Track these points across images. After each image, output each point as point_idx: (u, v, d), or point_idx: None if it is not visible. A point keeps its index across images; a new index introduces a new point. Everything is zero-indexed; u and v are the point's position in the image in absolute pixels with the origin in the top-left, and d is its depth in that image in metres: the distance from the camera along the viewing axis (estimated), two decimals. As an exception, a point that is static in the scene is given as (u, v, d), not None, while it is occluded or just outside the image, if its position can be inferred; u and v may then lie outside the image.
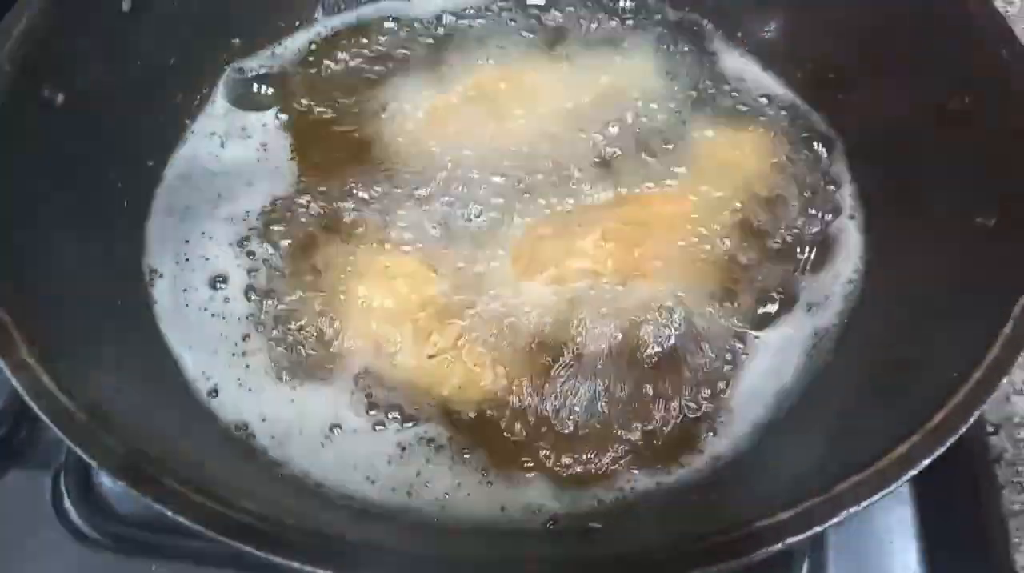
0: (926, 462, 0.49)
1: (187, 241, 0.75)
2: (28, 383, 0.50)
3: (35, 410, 0.49)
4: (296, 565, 0.45)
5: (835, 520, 0.47)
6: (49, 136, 0.66)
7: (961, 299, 0.62)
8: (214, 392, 0.68)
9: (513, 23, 0.89)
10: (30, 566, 0.70)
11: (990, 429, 0.82)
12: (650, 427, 0.67)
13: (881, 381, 0.63)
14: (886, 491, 0.47)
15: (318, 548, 0.47)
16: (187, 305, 0.72)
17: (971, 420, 0.51)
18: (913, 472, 0.48)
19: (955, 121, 0.69)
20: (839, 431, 0.61)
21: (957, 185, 0.68)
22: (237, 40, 0.86)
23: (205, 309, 0.72)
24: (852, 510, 0.47)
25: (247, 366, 0.69)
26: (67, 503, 0.71)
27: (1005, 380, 0.53)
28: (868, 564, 0.70)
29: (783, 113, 0.84)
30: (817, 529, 0.46)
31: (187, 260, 0.74)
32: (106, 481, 0.70)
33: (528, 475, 0.64)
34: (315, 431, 0.66)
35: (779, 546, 0.46)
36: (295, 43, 0.89)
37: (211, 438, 0.65)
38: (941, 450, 0.49)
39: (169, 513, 0.45)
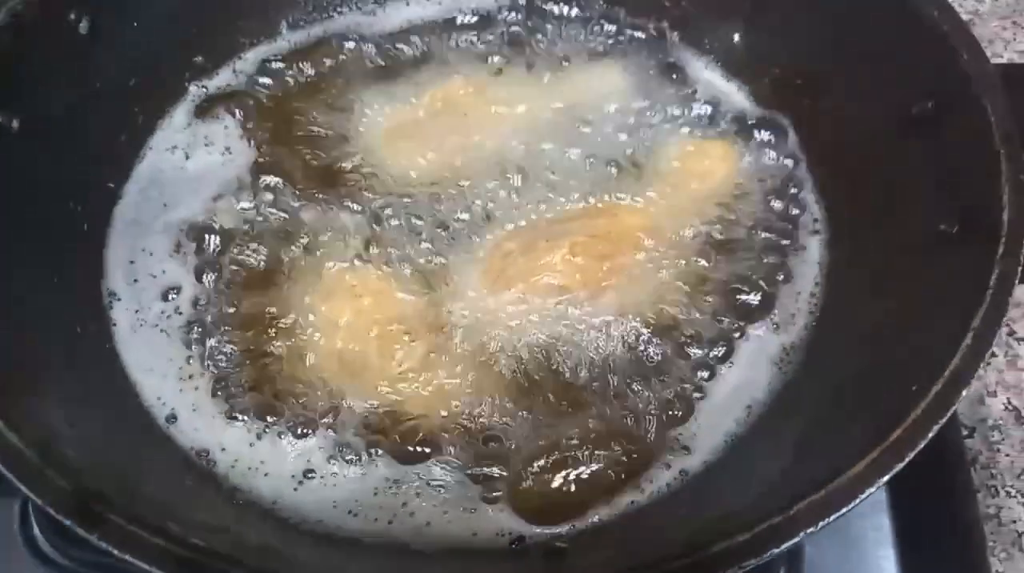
0: (885, 478, 0.48)
1: (147, 256, 0.74)
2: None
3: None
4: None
5: (794, 540, 0.46)
6: (4, 163, 0.65)
7: (924, 308, 0.61)
8: (172, 418, 0.67)
9: (477, 38, 0.88)
10: (-2, 592, 0.69)
11: (965, 432, 0.81)
12: (620, 443, 0.66)
13: (847, 394, 0.62)
14: (845, 509, 0.47)
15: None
16: (143, 325, 0.71)
17: (931, 434, 0.51)
18: (864, 497, 0.48)
19: (919, 128, 0.69)
20: (806, 445, 0.60)
21: (920, 193, 0.67)
22: (199, 58, 0.85)
23: (160, 328, 0.71)
24: (810, 530, 0.47)
25: (196, 392, 0.68)
26: (35, 530, 0.70)
27: (975, 385, 0.53)
28: (846, 571, 0.70)
29: (749, 123, 0.83)
30: (775, 550, 0.46)
31: (143, 278, 0.73)
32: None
33: (495, 494, 0.64)
34: (284, 475, 0.65)
35: (736, 569, 0.45)
36: (258, 58, 0.88)
37: (170, 466, 0.64)
38: (900, 466, 0.49)
39: (115, 552, 0.45)
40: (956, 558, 0.73)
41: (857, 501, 0.48)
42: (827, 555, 0.70)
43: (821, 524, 0.46)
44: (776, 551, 0.46)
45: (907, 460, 0.50)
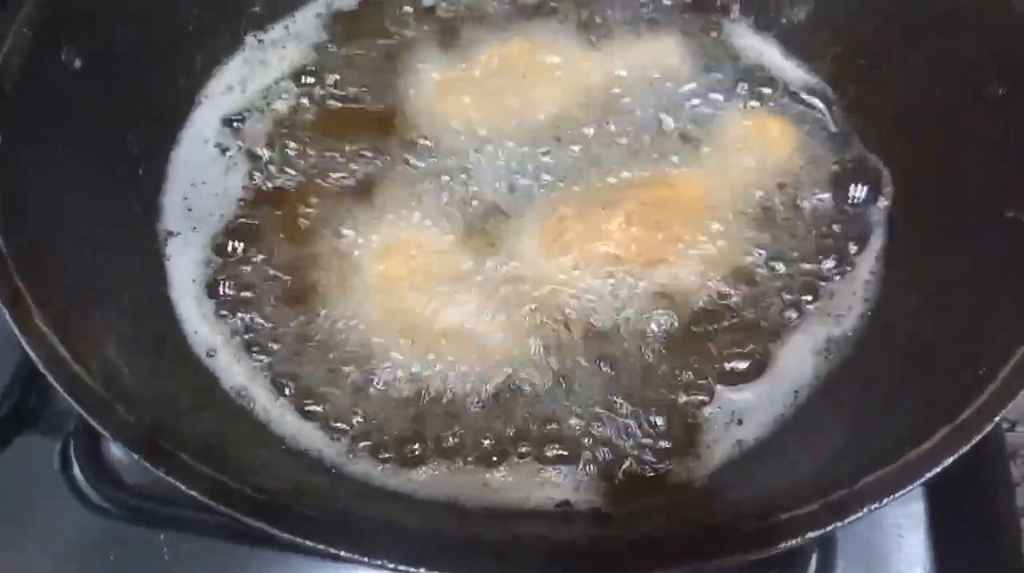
0: (951, 459, 0.48)
1: (201, 198, 0.75)
2: (43, 352, 0.49)
3: (50, 380, 0.48)
4: (311, 544, 0.45)
5: (857, 515, 0.46)
6: (67, 102, 0.65)
7: (987, 295, 0.60)
8: (212, 352, 0.68)
9: (536, 1, 0.87)
10: (38, 532, 0.70)
11: (1006, 425, 0.81)
12: (669, 415, 0.66)
13: (902, 378, 0.62)
14: (910, 487, 0.47)
15: (331, 527, 0.47)
16: (198, 265, 0.72)
17: (997, 418, 0.50)
18: (938, 469, 0.47)
19: (989, 111, 0.67)
20: (863, 425, 0.59)
21: (987, 177, 0.66)
22: (256, 8, 0.85)
23: (211, 266, 0.72)
24: (874, 506, 0.46)
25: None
26: (75, 470, 0.71)
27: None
28: (878, 558, 0.69)
29: (808, 100, 0.82)
30: (838, 524, 0.45)
31: (200, 219, 0.74)
32: (115, 450, 0.70)
33: (548, 455, 0.64)
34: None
35: (798, 540, 0.45)
36: (312, 13, 0.87)
37: (216, 406, 0.64)
38: (967, 448, 0.49)
39: (183, 488, 0.45)
40: (991, 549, 0.72)
41: (923, 479, 0.47)
42: (860, 540, 0.70)
43: (887, 500, 0.46)
44: (839, 523, 0.45)
45: (973, 442, 0.49)
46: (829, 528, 0.46)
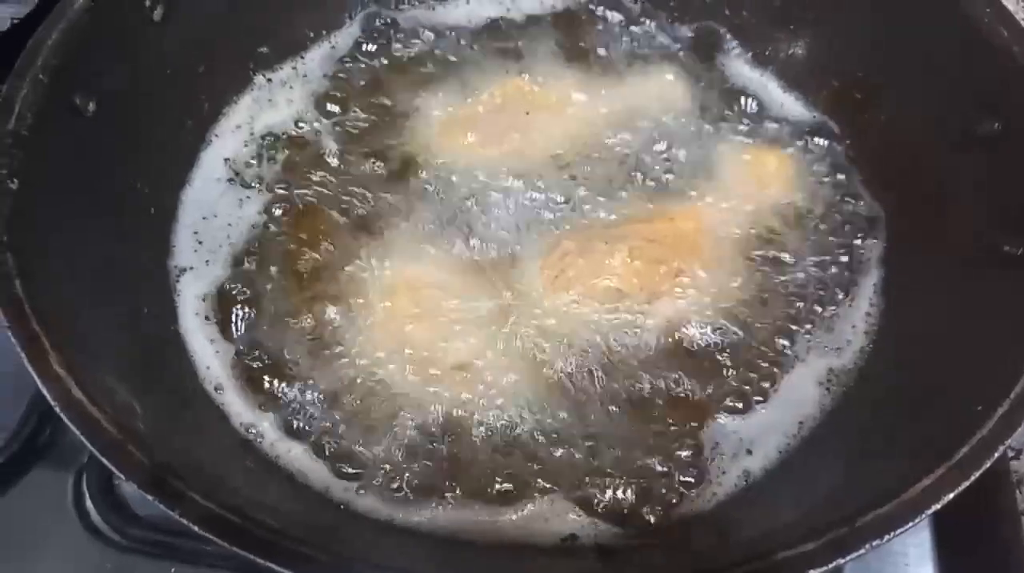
0: (951, 495, 0.48)
1: (212, 235, 0.76)
2: (59, 394, 0.50)
3: (67, 423, 0.49)
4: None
5: (859, 552, 0.47)
6: (79, 144, 0.67)
7: (986, 328, 0.61)
8: (221, 388, 0.69)
9: (537, 38, 0.89)
10: (51, 564, 0.70)
11: (1011, 453, 0.81)
12: (675, 448, 0.67)
13: (903, 412, 0.62)
14: (911, 524, 0.47)
15: (342, 567, 0.48)
16: (205, 302, 0.73)
17: (996, 454, 0.51)
18: (938, 505, 0.48)
19: (982, 147, 0.69)
20: (865, 458, 0.60)
21: (983, 212, 0.67)
22: (264, 49, 0.87)
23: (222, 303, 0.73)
24: (875, 543, 0.47)
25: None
26: (88, 503, 0.72)
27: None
28: (885, 587, 0.69)
29: (806, 133, 0.83)
30: (840, 561, 0.46)
31: (211, 255, 0.75)
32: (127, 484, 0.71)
33: (554, 489, 0.64)
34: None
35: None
36: (322, 51, 0.89)
37: (226, 443, 0.65)
38: (967, 483, 0.49)
39: (196, 529, 0.46)
40: (998, 577, 0.73)
41: (923, 516, 0.48)
42: (867, 569, 0.70)
43: (888, 537, 0.47)
44: (841, 560, 0.46)
45: (972, 478, 0.50)
46: (831, 565, 0.46)
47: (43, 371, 0.51)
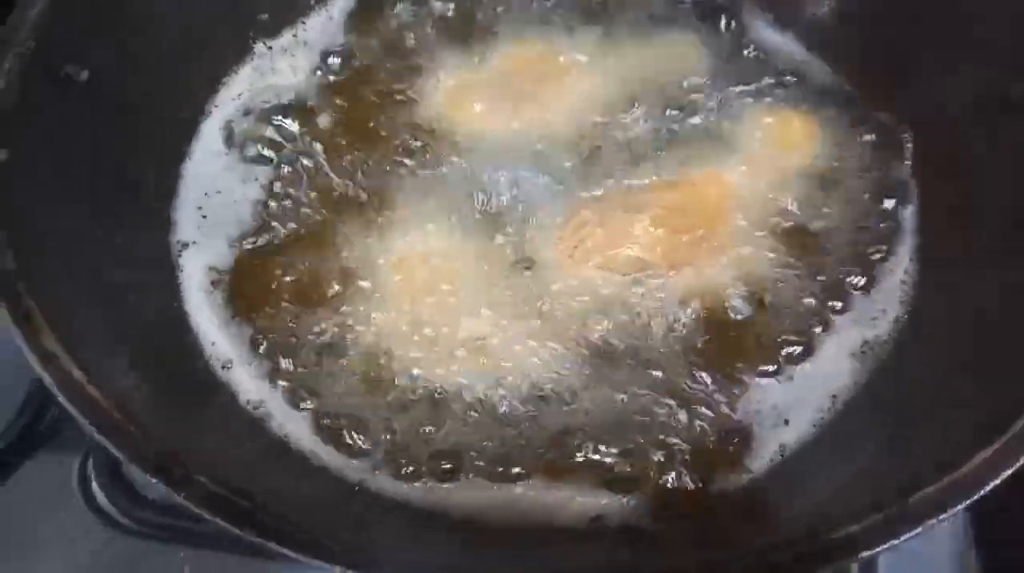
0: (1010, 471, 0.45)
1: (214, 210, 0.73)
2: (57, 376, 0.48)
3: (63, 403, 0.47)
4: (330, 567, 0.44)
5: (914, 532, 0.44)
6: (72, 116, 0.64)
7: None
8: (229, 365, 0.66)
9: (551, 3, 0.85)
10: (57, 548, 0.69)
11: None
12: (707, 421, 0.64)
13: (944, 384, 0.59)
14: (969, 500, 0.44)
15: (356, 551, 0.45)
16: (208, 278, 0.70)
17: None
18: (985, 490, 0.45)
19: (1016, 111, 0.65)
20: (900, 436, 0.57)
21: (1016, 180, 0.64)
22: (264, 16, 0.83)
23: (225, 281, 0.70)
24: (930, 522, 0.44)
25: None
26: (94, 487, 0.71)
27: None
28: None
29: (832, 98, 0.80)
30: (894, 541, 0.43)
31: (215, 228, 0.73)
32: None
33: (579, 467, 0.62)
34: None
35: (852, 559, 0.43)
36: (323, 18, 0.85)
37: (233, 423, 0.63)
38: (1021, 462, 0.46)
39: (206, 515, 0.43)
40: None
41: (979, 494, 0.45)
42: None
43: (943, 516, 0.44)
44: (896, 542, 0.43)
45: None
46: (884, 546, 0.43)
47: (38, 349, 0.49)
